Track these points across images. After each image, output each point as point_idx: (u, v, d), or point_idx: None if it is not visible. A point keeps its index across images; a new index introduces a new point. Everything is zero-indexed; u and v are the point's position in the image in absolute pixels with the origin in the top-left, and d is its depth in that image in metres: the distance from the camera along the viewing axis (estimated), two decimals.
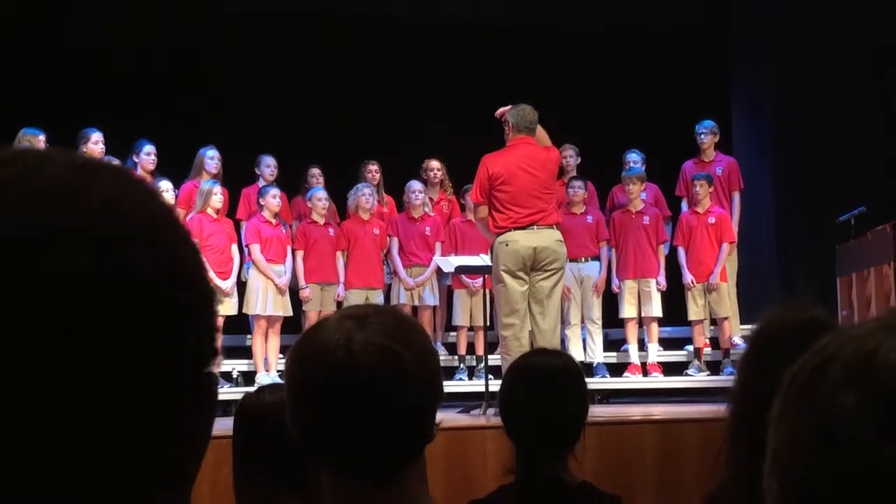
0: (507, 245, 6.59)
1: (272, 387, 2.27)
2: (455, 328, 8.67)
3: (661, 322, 8.63)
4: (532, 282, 6.64)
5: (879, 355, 0.61)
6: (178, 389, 0.64)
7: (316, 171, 8.76)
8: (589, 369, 8.19)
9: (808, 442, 0.62)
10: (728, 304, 8.39)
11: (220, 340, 0.71)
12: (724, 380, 7.69)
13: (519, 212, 6.58)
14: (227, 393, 7.38)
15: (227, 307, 7.87)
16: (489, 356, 7.44)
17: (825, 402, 0.62)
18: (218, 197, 7.87)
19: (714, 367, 8.43)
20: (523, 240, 6.57)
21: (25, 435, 0.59)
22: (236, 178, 8.52)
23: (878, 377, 0.60)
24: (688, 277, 8.42)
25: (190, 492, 0.68)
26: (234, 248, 8.03)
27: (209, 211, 7.84)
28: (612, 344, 8.84)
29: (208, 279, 0.70)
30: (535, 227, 6.59)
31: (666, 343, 8.84)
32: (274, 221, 8.08)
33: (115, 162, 7.51)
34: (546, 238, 6.62)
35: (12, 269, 0.59)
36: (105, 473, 0.61)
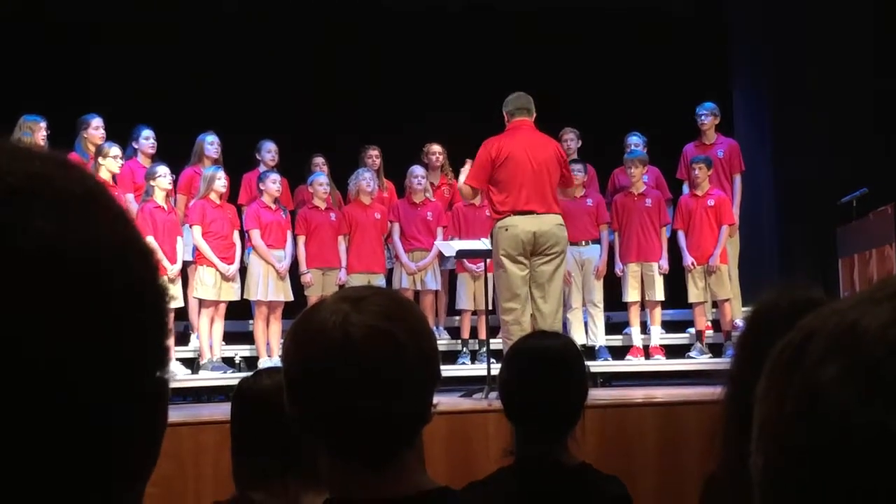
0: (506, 230, 6.58)
1: (269, 370, 2.28)
2: (458, 312, 8.67)
3: (663, 305, 8.63)
4: (533, 266, 6.63)
5: (860, 327, 0.61)
6: (127, 394, 0.62)
7: (319, 159, 8.74)
8: (591, 352, 8.20)
9: (792, 415, 0.63)
10: (728, 286, 8.39)
11: (172, 340, 0.67)
12: (726, 362, 7.67)
13: (518, 194, 6.56)
14: (230, 378, 7.41)
15: (231, 293, 7.89)
16: (491, 340, 7.44)
17: (808, 376, 0.62)
18: (221, 182, 7.85)
19: (716, 350, 8.43)
20: (522, 224, 6.55)
21: None
22: (238, 163, 8.52)
23: (859, 348, 0.61)
24: (688, 260, 8.41)
25: (143, 493, 0.65)
26: (237, 233, 8.03)
27: (212, 196, 7.83)
28: (614, 327, 8.84)
29: (157, 271, 0.65)
30: (535, 213, 6.58)
31: (668, 325, 8.84)
32: (274, 207, 8.08)
33: (116, 148, 7.52)
34: (546, 222, 6.59)
35: None
36: (52, 485, 0.58)
